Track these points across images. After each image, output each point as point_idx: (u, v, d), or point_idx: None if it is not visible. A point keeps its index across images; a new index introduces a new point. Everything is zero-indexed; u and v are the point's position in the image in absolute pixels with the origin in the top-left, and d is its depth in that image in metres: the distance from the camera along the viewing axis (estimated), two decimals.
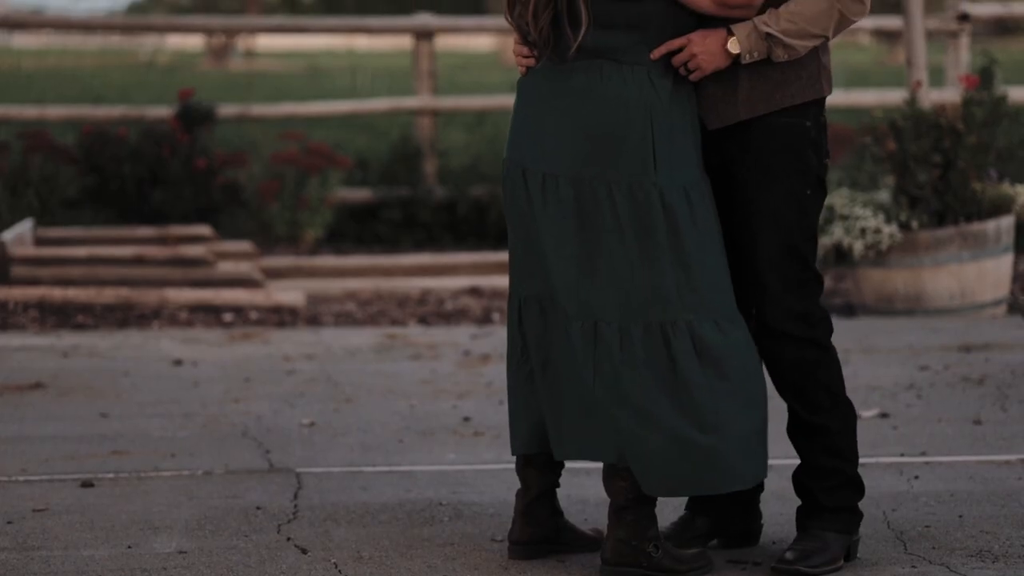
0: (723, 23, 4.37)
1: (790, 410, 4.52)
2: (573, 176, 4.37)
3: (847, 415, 4.52)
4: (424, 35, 12.20)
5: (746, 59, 4.35)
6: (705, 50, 4.36)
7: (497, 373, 6.87)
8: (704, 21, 4.38)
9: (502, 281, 9.68)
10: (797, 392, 4.49)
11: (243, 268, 9.49)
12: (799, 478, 4.53)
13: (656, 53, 4.36)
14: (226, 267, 9.53)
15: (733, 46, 4.34)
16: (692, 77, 4.38)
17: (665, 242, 4.34)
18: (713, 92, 4.42)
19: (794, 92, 4.42)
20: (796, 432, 4.52)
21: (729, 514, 4.65)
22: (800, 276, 4.45)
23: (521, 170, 4.43)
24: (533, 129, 4.44)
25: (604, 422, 4.36)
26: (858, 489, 4.51)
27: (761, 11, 4.36)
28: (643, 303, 4.34)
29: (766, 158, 4.42)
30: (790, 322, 4.44)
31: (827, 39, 4.41)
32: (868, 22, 13.46)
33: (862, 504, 4.53)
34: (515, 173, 4.45)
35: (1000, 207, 8.53)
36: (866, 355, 7.48)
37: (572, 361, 4.38)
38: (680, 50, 4.36)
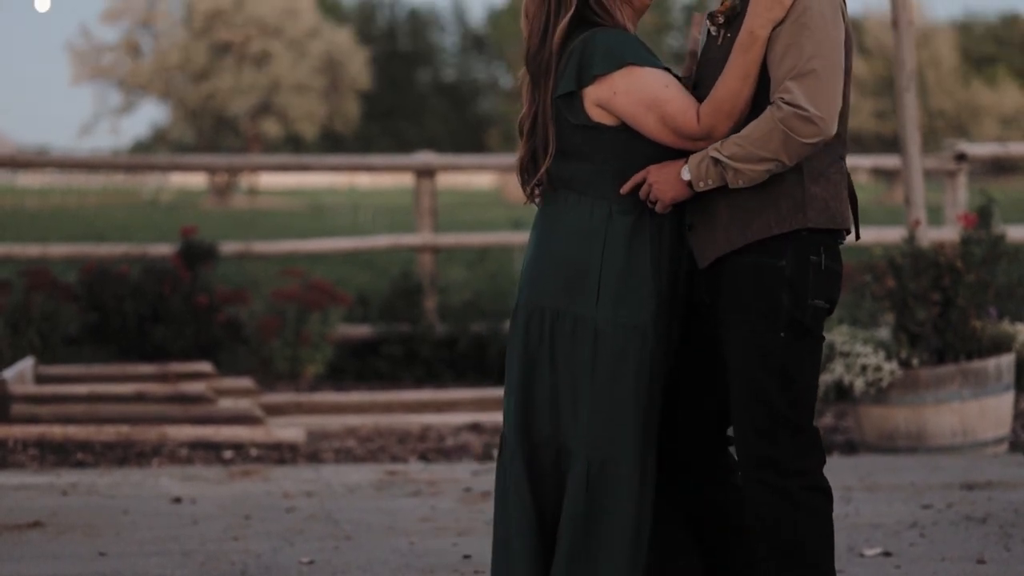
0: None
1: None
2: (530, 305, 4.46)
3: None
4: (425, 173, 12.29)
5: (700, 186, 4.26)
6: (661, 179, 4.32)
7: None
8: (673, 153, 4.34)
9: (503, 418, 9.65)
10: (764, 547, 4.26)
11: (243, 405, 9.48)
12: None
13: (624, 188, 4.38)
14: (226, 404, 9.52)
15: (685, 173, 4.29)
16: (658, 209, 4.33)
17: (582, 376, 4.39)
18: (698, 227, 4.36)
19: (771, 222, 4.28)
20: None
21: None
22: (766, 422, 4.27)
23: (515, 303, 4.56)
24: (526, 262, 4.58)
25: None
26: None
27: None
28: (555, 431, 4.43)
29: (733, 298, 4.32)
30: (753, 468, 4.28)
31: (783, 163, 4.22)
32: (866, 161, 13.58)
33: None
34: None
35: (1000, 345, 8.53)
36: (868, 492, 7.44)
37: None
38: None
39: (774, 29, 4.25)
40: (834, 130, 4.22)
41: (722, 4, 4.44)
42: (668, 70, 4.41)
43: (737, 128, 4.27)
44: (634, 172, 4.37)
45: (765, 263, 4.29)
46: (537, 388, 4.45)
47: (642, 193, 4.36)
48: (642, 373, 4.38)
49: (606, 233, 4.38)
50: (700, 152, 4.29)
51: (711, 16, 4.44)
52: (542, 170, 4.47)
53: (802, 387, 4.32)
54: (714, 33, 4.43)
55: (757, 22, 4.25)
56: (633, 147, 4.38)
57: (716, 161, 4.25)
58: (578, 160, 4.44)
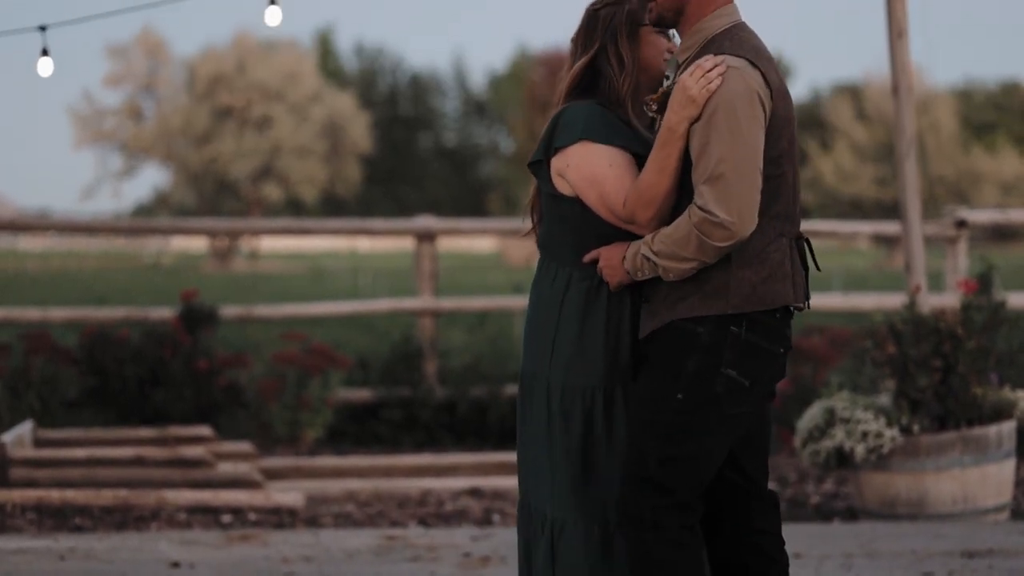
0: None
1: None
2: (522, 370, 4.66)
3: None
4: (426, 237, 12.31)
5: (637, 276, 4.40)
6: (608, 263, 4.47)
7: None
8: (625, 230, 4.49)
9: (503, 482, 9.63)
10: None
11: (242, 469, 9.46)
12: None
13: (585, 258, 4.53)
14: (225, 468, 9.50)
15: (625, 261, 4.43)
16: (611, 288, 4.47)
17: (537, 432, 4.55)
18: (646, 301, 4.49)
19: (693, 305, 4.37)
20: None
21: None
22: (637, 473, 4.37)
23: None
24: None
25: None
26: None
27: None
28: (526, 492, 4.62)
29: (652, 355, 4.44)
30: (623, 515, 4.40)
31: (705, 262, 4.31)
32: (867, 227, 13.60)
33: None
34: None
35: (1001, 412, 8.51)
36: (869, 559, 7.41)
37: None
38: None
39: (692, 125, 4.33)
40: (748, 231, 4.28)
41: (657, 91, 4.55)
42: (634, 149, 4.51)
43: (665, 215, 4.39)
44: (590, 241, 4.51)
45: (684, 327, 4.38)
46: (519, 450, 4.63)
47: (597, 270, 4.51)
48: (590, 434, 4.47)
49: (564, 298, 4.53)
50: (636, 244, 4.43)
51: (645, 103, 4.55)
52: (534, 235, 4.72)
53: (685, 454, 4.36)
54: (652, 117, 4.57)
55: (674, 119, 4.34)
56: (588, 218, 4.54)
57: (647, 257, 4.37)
58: (549, 225, 4.61)
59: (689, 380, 4.34)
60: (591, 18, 4.60)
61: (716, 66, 4.31)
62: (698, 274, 4.35)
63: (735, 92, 4.29)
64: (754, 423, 4.56)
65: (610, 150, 4.44)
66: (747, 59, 4.36)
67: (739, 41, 4.41)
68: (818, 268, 4.64)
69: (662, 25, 4.53)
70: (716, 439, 4.38)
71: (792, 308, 4.48)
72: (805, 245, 4.54)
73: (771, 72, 4.39)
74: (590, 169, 4.44)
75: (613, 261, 4.45)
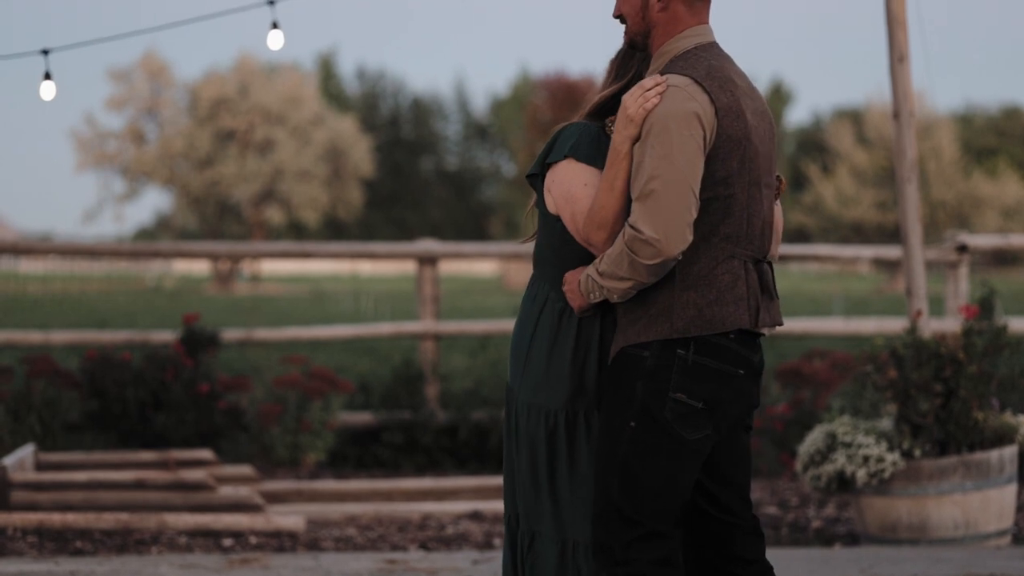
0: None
1: None
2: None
3: None
4: (427, 260, 12.32)
5: (590, 299, 4.39)
6: (569, 287, 4.46)
7: None
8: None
9: (503, 505, 9.62)
10: None
11: (243, 492, 9.45)
12: None
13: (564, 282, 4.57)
14: (226, 491, 9.49)
15: (579, 285, 4.44)
16: (575, 311, 4.48)
17: (511, 449, 4.60)
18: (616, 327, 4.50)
19: (640, 329, 4.36)
20: None
21: None
22: (601, 505, 4.36)
23: None
24: None
25: None
26: None
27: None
28: (509, 503, 4.69)
29: (606, 385, 4.44)
30: (594, 549, 4.39)
31: (642, 282, 4.29)
32: (868, 251, 13.61)
33: None
34: None
35: (1003, 437, 8.51)
36: None
37: None
38: None
39: (635, 144, 4.35)
40: (675, 249, 4.24)
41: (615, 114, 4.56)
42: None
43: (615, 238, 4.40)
44: (569, 262, 4.52)
45: (630, 352, 4.36)
46: (504, 463, 4.68)
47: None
48: (554, 454, 4.51)
49: (539, 317, 4.56)
50: (588, 266, 4.43)
51: (606, 124, 4.57)
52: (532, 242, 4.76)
53: (646, 482, 4.32)
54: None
55: (618, 138, 4.37)
56: (567, 238, 4.55)
57: (593, 278, 4.37)
58: (539, 240, 4.66)
59: (639, 407, 4.31)
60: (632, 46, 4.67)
61: (657, 85, 4.33)
62: (645, 297, 4.34)
63: (669, 111, 4.29)
64: (722, 452, 4.49)
65: (589, 170, 4.47)
66: (692, 78, 4.35)
67: (694, 61, 4.40)
68: (773, 296, 4.52)
69: (635, 48, 4.54)
70: (677, 465, 4.33)
71: (753, 331, 4.41)
72: (767, 268, 4.47)
73: (720, 92, 4.35)
74: (567, 187, 4.47)
75: (573, 285, 4.45)
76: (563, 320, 4.50)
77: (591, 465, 4.46)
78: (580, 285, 4.41)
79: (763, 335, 4.46)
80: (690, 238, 4.26)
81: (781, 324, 4.55)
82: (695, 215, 4.28)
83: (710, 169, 4.32)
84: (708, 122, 4.31)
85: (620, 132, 4.35)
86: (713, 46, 4.48)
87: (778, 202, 4.66)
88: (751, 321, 4.37)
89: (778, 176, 4.62)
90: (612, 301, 4.37)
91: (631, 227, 4.25)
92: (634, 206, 4.27)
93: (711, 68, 4.39)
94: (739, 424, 4.51)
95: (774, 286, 4.49)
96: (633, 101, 4.33)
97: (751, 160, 4.39)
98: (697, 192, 4.28)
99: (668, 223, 4.23)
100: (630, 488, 4.31)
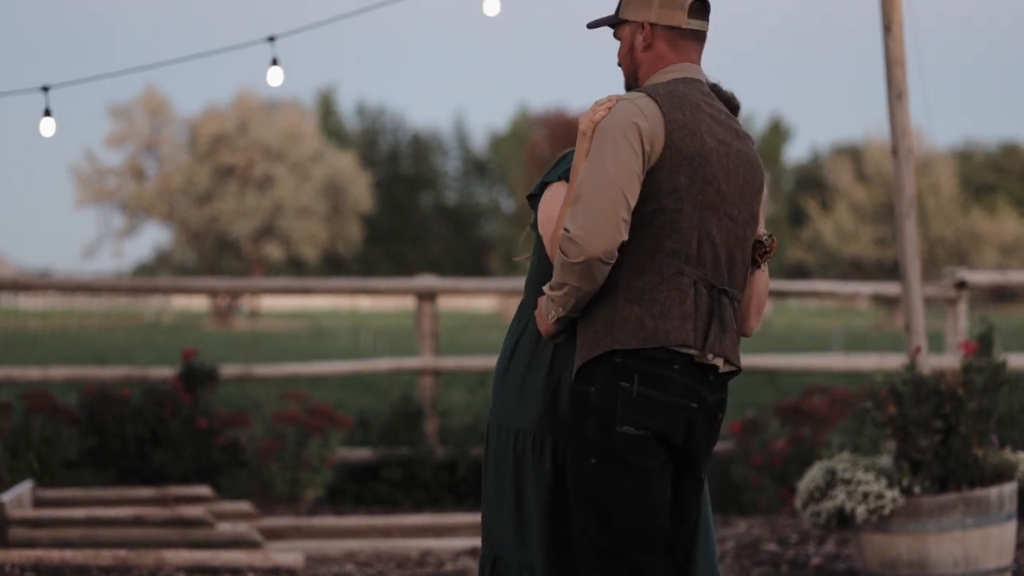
0: None
1: None
2: None
3: None
4: (427, 296, 12.32)
5: (548, 319, 4.35)
6: (538, 312, 4.45)
7: None
8: None
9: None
10: None
11: (242, 529, 9.43)
12: None
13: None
14: (225, 528, 9.47)
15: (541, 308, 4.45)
16: (545, 337, 4.46)
17: (485, 477, 4.61)
18: None
19: (588, 346, 4.32)
20: None
21: None
22: (586, 548, 4.33)
23: None
24: None
25: None
26: None
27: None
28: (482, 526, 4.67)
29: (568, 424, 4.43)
30: None
31: (576, 287, 4.24)
32: (867, 287, 13.60)
33: None
34: None
35: (1003, 474, 8.50)
36: None
37: None
38: None
39: None
40: (597, 248, 4.20)
41: None
42: None
43: None
44: (545, 282, 4.50)
45: (578, 391, 4.33)
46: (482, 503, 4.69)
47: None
48: (520, 477, 4.50)
49: (519, 340, 4.56)
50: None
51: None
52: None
53: (617, 513, 4.29)
54: None
55: (577, 157, 4.42)
56: (546, 262, 4.56)
57: (546, 295, 4.37)
58: (532, 260, 4.67)
59: (593, 444, 4.28)
60: None
61: (608, 100, 4.40)
62: (592, 313, 4.30)
63: (612, 120, 4.32)
64: (677, 491, 4.44)
65: None
66: (646, 93, 4.38)
67: (660, 86, 4.42)
68: (727, 328, 4.41)
69: (631, 89, 4.56)
70: (644, 491, 4.28)
71: (699, 361, 4.30)
72: (726, 300, 4.36)
73: (675, 108, 4.34)
74: (549, 209, 4.51)
75: (540, 309, 4.43)
76: (539, 344, 4.52)
77: (557, 491, 4.47)
78: (542, 307, 4.41)
79: (716, 368, 4.36)
80: (619, 238, 4.21)
81: (737, 365, 4.43)
82: (625, 217, 4.23)
83: (655, 179, 4.29)
84: (652, 132, 4.30)
85: (577, 150, 4.41)
86: (693, 82, 4.47)
87: (764, 268, 4.57)
88: (697, 342, 4.28)
89: (771, 236, 4.54)
90: (561, 316, 4.32)
91: (563, 229, 4.26)
92: (568, 210, 4.30)
93: (674, 91, 4.39)
94: (696, 466, 4.44)
95: (733, 320, 4.39)
96: (584, 117, 4.42)
97: (705, 181, 4.33)
98: (629, 194, 4.24)
99: (591, 220, 4.20)
100: (605, 523, 4.29)
